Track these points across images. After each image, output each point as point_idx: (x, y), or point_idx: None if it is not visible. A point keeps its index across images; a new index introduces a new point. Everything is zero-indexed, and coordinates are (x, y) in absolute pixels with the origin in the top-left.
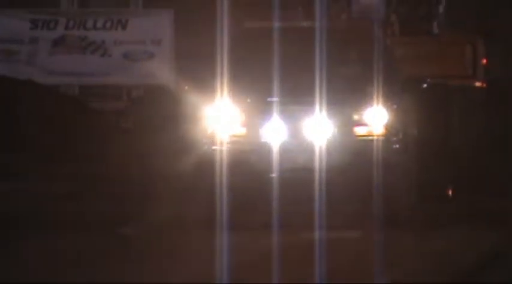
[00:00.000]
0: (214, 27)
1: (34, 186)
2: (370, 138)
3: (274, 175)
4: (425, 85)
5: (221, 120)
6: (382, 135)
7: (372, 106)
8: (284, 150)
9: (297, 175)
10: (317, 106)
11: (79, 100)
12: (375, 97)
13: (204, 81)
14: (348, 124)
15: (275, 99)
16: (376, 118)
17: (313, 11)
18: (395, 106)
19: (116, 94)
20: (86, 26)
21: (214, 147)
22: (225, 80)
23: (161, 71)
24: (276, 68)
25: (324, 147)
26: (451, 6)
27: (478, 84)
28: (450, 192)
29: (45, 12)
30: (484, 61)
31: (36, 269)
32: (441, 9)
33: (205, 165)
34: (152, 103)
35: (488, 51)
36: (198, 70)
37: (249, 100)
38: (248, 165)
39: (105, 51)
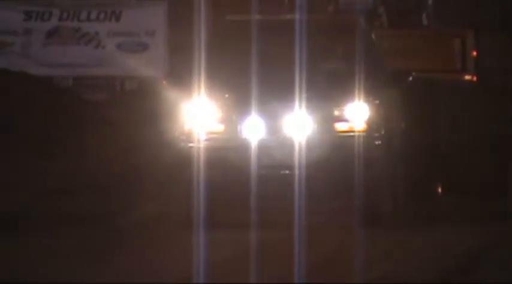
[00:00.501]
0: (206, 18)
1: (26, 179)
2: (351, 134)
3: (252, 172)
4: (410, 79)
5: (198, 116)
6: (364, 131)
7: (353, 101)
8: (263, 147)
9: (276, 172)
10: (297, 102)
11: (71, 92)
12: (356, 92)
13: (183, 76)
14: (328, 120)
15: (254, 94)
16: (357, 114)
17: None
18: (377, 102)
19: (110, 86)
20: (79, 18)
21: (190, 144)
22: (203, 75)
23: (155, 63)
24: (254, 62)
25: (304, 143)
26: None
27: (467, 77)
28: (437, 189)
29: (39, 3)
30: (474, 54)
31: (32, 266)
32: (430, 0)
33: (182, 161)
34: (136, 97)
35: (480, 43)
36: (181, 63)
37: (226, 95)
38: (226, 162)
39: (98, 42)
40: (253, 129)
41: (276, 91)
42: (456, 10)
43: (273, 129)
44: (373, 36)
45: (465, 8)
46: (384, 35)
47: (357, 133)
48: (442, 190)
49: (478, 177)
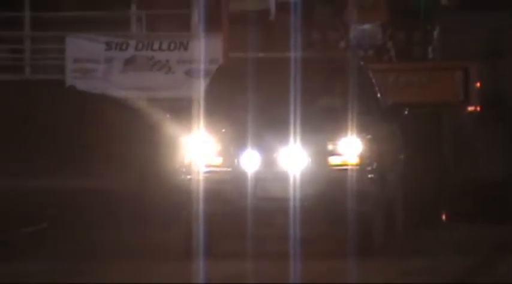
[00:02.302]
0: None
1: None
2: (345, 167)
3: (249, 204)
4: (405, 114)
5: (197, 149)
6: (356, 165)
7: (346, 136)
8: (259, 179)
9: (272, 204)
10: (292, 137)
11: (146, 112)
12: (349, 127)
13: (184, 110)
14: (322, 154)
15: (251, 129)
16: (349, 148)
17: (311, 39)
18: (369, 136)
19: (179, 107)
20: (153, 47)
21: (189, 176)
22: (202, 110)
23: None
24: (252, 98)
25: (298, 176)
26: (455, 31)
27: (470, 108)
28: (441, 216)
29: (118, 35)
30: (478, 85)
31: None
32: (435, 35)
33: (182, 193)
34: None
35: (497, 72)
36: None
37: (223, 130)
38: (223, 194)
39: (169, 69)
40: (250, 163)
41: (271, 126)
42: (471, 40)
43: (269, 162)
44: (369, 72)
45: (484, 36)
46: (387, 68)
47: (350, 167)
48: (446, 217)
49: (481, 204)
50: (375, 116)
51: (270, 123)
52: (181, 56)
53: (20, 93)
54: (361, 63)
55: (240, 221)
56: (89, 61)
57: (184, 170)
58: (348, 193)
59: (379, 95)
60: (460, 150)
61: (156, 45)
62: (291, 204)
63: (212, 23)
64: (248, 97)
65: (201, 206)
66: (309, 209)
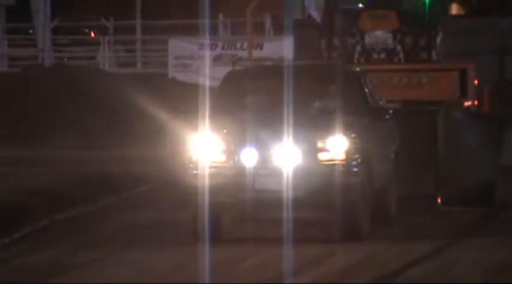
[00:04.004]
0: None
1: None
2: (332, 162)
3: (248, 196)
4: (390, 113)
5: (203, 147)
6: (342, 160)
7: (333, 135)
8: (257, 174)
9: (269, 196)
10: (286, 136)
11: None
12: (336, 127)
13: (192, 112)
14: (312, 151)
15: (250, 129)
16: (336, 146)
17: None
18: (354, 134)
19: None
20: (235, 47)
21: (195, 171)
22: (208, 112)
23: None
24: (252, 101)
25: (291, 171)
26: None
27: (467, 103)
28: (436, 201)
29: (208, 38)
30: (476, 82)
31: None
32: (439, 40)
33: (189, 187)
34: None
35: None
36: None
37: (226, 130)
38: (226, 187)
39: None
40: (249, 159)
41: (268, 127)
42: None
43: (265, 159)
44: (360, 77)
45: (490, 38)
46: (392, 69)
47: (336, 162)
48: (441, 200)
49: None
50: (361, 116)
51: (267, 124)
52: (257, 54)
53: (133, 83)
54: (351, 68)
55: (241, 211)
56: (186, 58)
57: (191, 166)
58: (335, 185)
59: (368, 97)
60: (454, 145)
61: (238, 46)
62: (285, 195)
63: (281, 29)
64: (249, 101)
65: (206, 198)
66: (301, 200)
